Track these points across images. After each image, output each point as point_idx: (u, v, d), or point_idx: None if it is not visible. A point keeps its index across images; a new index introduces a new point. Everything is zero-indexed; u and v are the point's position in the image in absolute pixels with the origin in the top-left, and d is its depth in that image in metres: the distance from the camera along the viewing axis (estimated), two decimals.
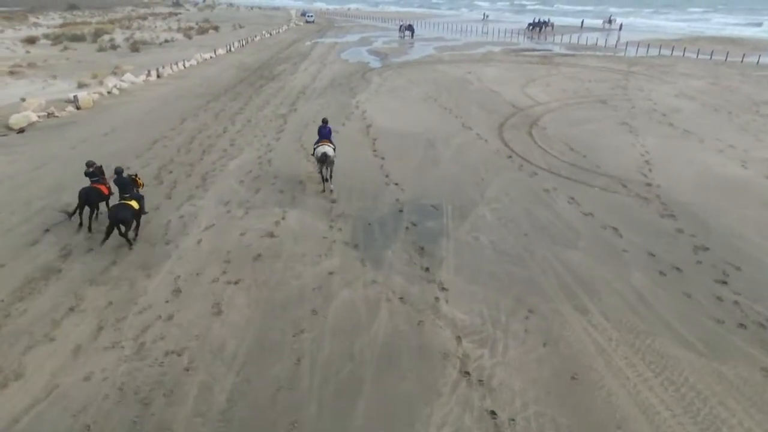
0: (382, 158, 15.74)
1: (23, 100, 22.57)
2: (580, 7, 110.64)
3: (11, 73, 29.60)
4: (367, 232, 10.98)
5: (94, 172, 11.01)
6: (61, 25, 67.47)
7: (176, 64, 32.30)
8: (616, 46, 45.84)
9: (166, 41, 48.96)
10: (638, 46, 43.05)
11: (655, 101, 23.69)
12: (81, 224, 10.93)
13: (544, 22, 60.07)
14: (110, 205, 10.48)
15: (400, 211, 12.04)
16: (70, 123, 19.78)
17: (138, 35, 51.77)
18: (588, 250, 10.28)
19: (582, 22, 66.30)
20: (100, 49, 42.07)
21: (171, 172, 14.53)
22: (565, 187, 13.44)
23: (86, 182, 11.03)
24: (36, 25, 67.11)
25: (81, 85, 25.21)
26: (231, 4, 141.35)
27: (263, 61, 37.39)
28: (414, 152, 16.26)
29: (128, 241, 10.15)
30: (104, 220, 10.55)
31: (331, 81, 28.86)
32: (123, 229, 9.94)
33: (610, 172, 14.55)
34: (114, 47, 42.93)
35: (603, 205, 12.40)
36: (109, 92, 24.78)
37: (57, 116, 20.59)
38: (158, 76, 29.43)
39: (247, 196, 12.84)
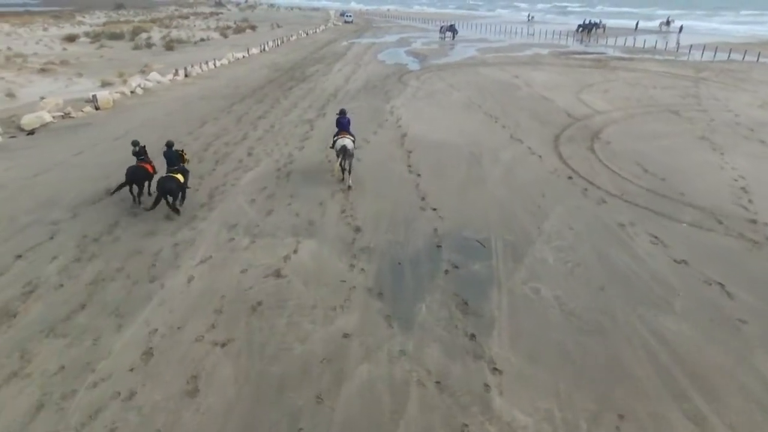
0: (418, 175, 13.50)
1: (43, 99, 21.63)
2: (625, 9, 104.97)
3: (42, 70, 29.04)
4: (396, 275, 8.77)
5: (140, 151, 11.50)
6: (104, 24, 68.53)
7: (206, 63, 31.07)
8: (677, 49, 41.96)
9: (202, 40, 48.31)
10: (703, 50, 39.10)
11: (737, 112, 20.46)
12: (134, 200, 11.43)
13: (595, 24, 56.28)
14: (159, 178, 11.04)
15: (439, 246, 9.77)
16: (85, 125, 18.46)
17: (174, 34, 51.42)
18: (689, 315, 7.73)
19: (636, 23, 62.02)
20: (136, 48, 41.62)
21: None
22: (645, 221, 10.83)
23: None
24: (81, 23, 68.34)
25: (104, 84, 24.12)
26: (272, 5, 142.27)
27: (296, 61, 35.81)
28: (455, 169, 13.95)
29: (176, 210, 10.81)
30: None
31: (365, 83, 26.82)
32: (170, 199, 10.75)
33: (699, 202, 11.81)
34: (149, 45, 42.43)
35: (698, 248, 9.75)
36: (132, 92, 23.57)
37: (73, 117, 19.37)
38: (186, 76, 28.19)
39: (257, 219, 10.86)
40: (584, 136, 17.18)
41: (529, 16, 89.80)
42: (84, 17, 79.55)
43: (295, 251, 9.52)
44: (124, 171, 11.31)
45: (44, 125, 18.10)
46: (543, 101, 22.51)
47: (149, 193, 11.60)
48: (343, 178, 12.89)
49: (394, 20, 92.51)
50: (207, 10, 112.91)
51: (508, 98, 23.11)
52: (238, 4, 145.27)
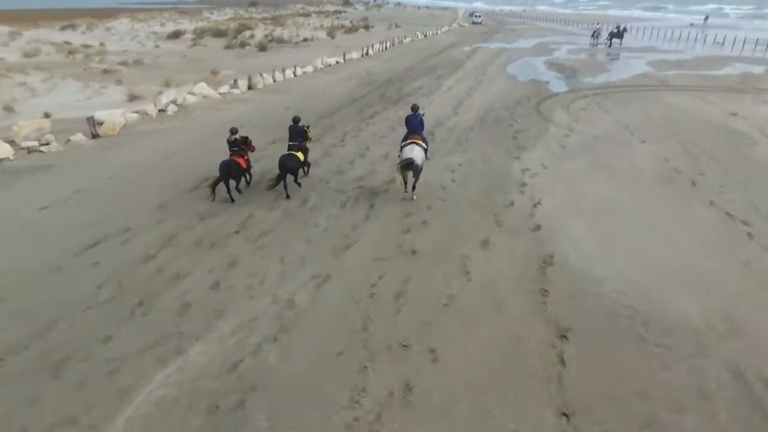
0: None
1: (47, 116, 16.32)
2: None
3: (106, 71, 24.83)
4: None
5: (236, 141, 10.36)
6: (228, 20, 67.50)
7: (282, 71, 24.43)
8: None
9: (305, 40, 42.83)
10: None
11: None
12: (231, 198, 10.23)
13: None
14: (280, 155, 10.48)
15: None
16: (44, 168, 12.24)
17: (278, 33, 46.73)
18: None
19: None
20: (228, 47, 37.12)
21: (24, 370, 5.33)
22: None
23: None
24: (204, 19, 68.01)
25: (132, 98, 18.37)
26: (399, 3, 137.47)
27: (399, 70, 27.85)
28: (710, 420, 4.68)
29: (292, 185, 10.44)
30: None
31: (484, 113, 17.87)
32: (291, 177, 10.43)
33: None
34: (243, 45, 37.73)
35: None
36: (162, 110, 17.43)
37: (42, 151, 13.35)
38: (249, 87, 21.72)
39: None
40: None
41: (705, 17, 72.39)
42: (211, 14, 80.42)
43: None
44: None
45: None
46: None
47: (241, 187, 10.66)
48: (406, 187, 10.33)
49: (530, 21, 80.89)
50: (332, 8, 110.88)
51: (742, 164, 12.61)
52: (366, 3, 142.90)
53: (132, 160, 12.75)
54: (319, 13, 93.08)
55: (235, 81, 21.08)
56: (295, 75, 25.36)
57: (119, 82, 21.00)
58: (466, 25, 72.05)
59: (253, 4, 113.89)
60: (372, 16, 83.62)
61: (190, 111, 17.83)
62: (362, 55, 33.93)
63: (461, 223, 9.31)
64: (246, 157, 10.56)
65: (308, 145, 11.26)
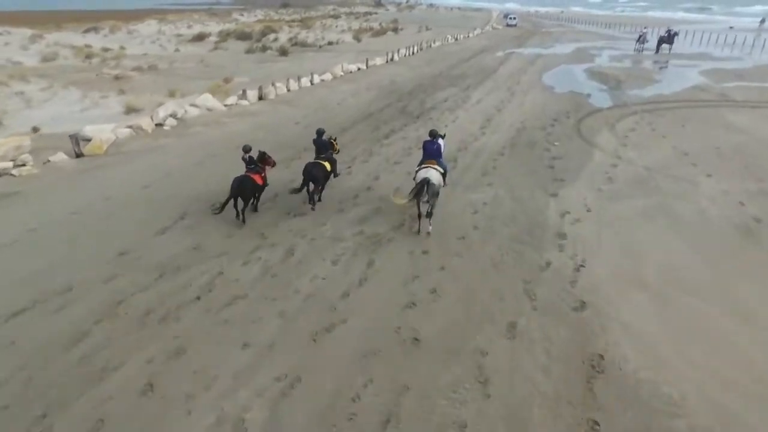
0: None
1: (35, 130, 15.18)
2: None
3: (117, 78, 23.84)
4: None
5: (251, 159, 9.77)
6: (256, 21, 66.92)
7: (298, 79, 22.79)
8: None
9: (330, 44, 41.33)
10: None
11: None
12: (237, 215, 9.43)
13: None
14: (306, 163, 10.11)
15: None
16: (12, 196, 10.87)
17: (303, 35, 45.38)
18: None
19: None
20: (249, 51, 35.91)
21: None
22: None
23: None
24: (233, 21, 67.56)
25: (130, 110, 16.99)
26: (431, 5, 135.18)
27: (424, 79, 25.83)
28: None
29: (315, 200, 10.12)
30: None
31: (516, 134, 15.70)
32: (312, 186, 9.95)
33: None
34: (264, 49, 36.47)
35: None
36: (159, 124, 15.99)
37: (14, 174, 11.99)
38: (260, 98, 20.14)
39: None
40: None
41: (762, 20, 67.32)
42: (241, 15, 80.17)
43: None
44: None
45: None
46: None
47: (255, 209, 9.96)
48: (418, 229, 9.09)
49: (568, 24, 77.40)
50: (363, 9, 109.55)
51: None
52: (398, 4, 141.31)
53: (108, 188, 11.21)
54: (349, 14, 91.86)
55: (244, 91, 19.51)
56: (311, 83, 23.67)
57: (122, 91, 19.72)
58: (500, 27, 69.31)
59: (285, 6, 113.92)
60: (402, 17, 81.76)
61: (188, 126, 16.31)
62: (387, 61, 32.03)
63: (481, 294, 7.27)
64: (263, 174, 9.84)
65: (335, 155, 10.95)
